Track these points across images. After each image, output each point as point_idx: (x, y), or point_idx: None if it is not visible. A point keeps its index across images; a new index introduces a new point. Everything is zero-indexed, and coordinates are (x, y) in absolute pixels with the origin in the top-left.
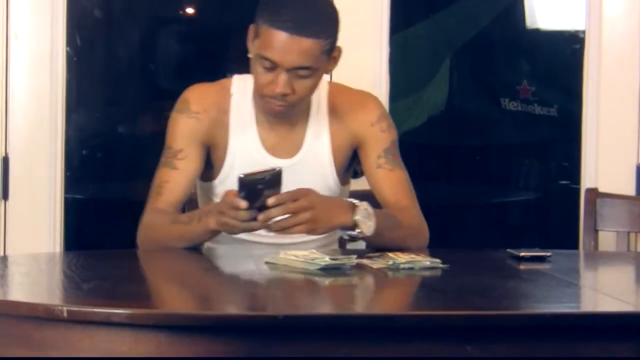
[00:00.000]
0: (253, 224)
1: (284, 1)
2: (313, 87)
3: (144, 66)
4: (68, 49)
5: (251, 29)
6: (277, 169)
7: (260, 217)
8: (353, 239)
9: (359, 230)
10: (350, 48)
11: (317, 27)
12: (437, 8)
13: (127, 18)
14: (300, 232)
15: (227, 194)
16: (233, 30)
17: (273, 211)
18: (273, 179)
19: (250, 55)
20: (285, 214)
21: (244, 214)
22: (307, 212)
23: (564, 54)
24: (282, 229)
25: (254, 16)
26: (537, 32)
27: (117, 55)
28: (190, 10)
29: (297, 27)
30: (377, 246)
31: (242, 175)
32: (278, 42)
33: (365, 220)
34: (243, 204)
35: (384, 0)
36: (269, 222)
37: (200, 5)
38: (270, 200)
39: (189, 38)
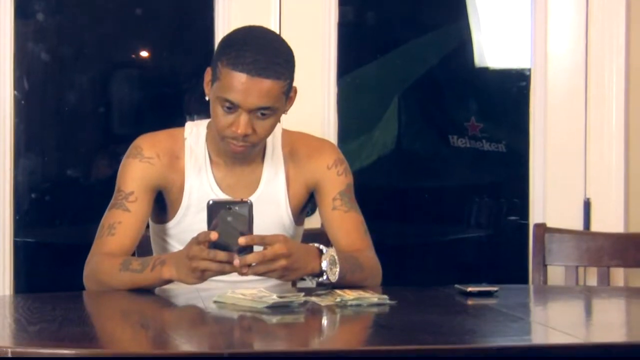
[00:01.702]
0: (226, 267)
1: (244, 44)
2: (273, 127)
3: (94, 110)
4: (16, 92)
5: (208, 71)
6: (247, 200)
7: (236, 262)
8: (320, 284)
9: (326, 277)
10: (299, 90)
11: (277, 69)
12: (385, 49)
13: (77, 61)
14: (272, 277)
15: (195, 238)
16: (187, 75)
17: (249, 257)
18: (242, 211)
19: (208, 97)
20: (262, 260)
21: (222, 254)
22: (283, 260)
23: (511, 91)
24: (256, 274)
25: (210, 59)
26: (485, 70)
27: (67, 99)
28: (144, 54)
29: (258, 69)
30: (335, 287)
31: (210, 201)
32: (239, 84)
33: (332, 266)
34: (214, 235)
35: (332, 43)
36: (244, 263)
37: (154, 49)
38: (242, 240)
39: (142, 82)
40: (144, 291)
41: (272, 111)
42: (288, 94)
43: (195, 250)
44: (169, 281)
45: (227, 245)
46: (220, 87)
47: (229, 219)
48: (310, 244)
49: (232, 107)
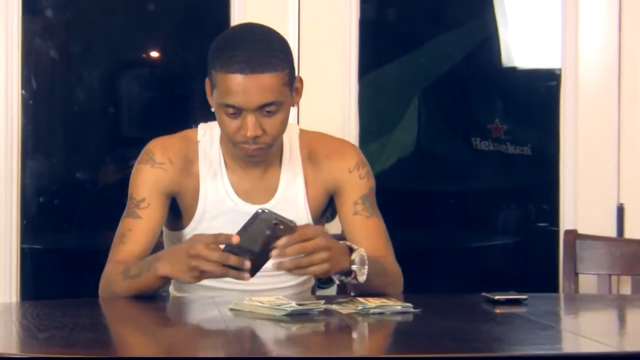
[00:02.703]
0: (231, 271)
1: (234, 44)
2: (284, 123)
3: (104, 110)
4: (23, 92)
5: (207, 82)
6: (293, 225)
7: (274, 252)
8: (340, 284)
9: (353, 276)
10: (319, 90)
11: (272, 60)
12: (407, 47)
13: (87, 59)
14: (313, 272)
15: (196, 236)
16: (199, 75)
17: (289, 250)
18: (285, 230)
19: (212, 108)
20: (301, 253)
21: (234, 259)
22: (325, 253)
23: (538, 91)
24: (297, 268)
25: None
26: (511, 69)
27: (76, 98)
28: (155, 52)
29: (252, 66)
30: (358, 292)
31: (261, 210)
32: (237, 86)
33: (361, 266)
34: (236, 238)
35: (352, 41)
36: (281, 261)
37: (166, 47)
38: (282, 242)
39: (154, 82)
40: (158, 299)
41: (277, 106)
42: (292, 85)
43: (200, 250)
44: (165, 278)
45: (243, 250)
46: (220, 93)
47: (266, 232)
48: (341, 241)
49: (236, 111)
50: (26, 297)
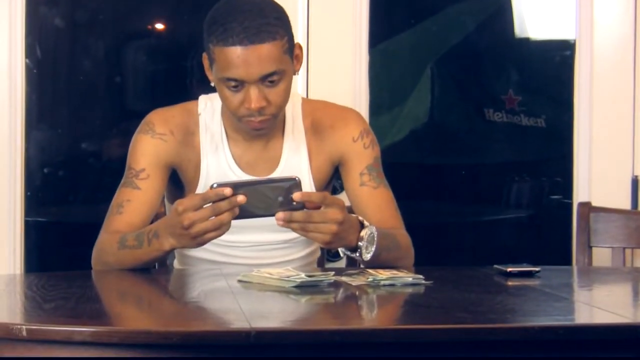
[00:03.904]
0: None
1: (229, 15)
2: (287, 92)
3: (110, 81)
4: (27, 60)
5: (204, 57)
6: (296, 179)
7: (280, 214)
8: (349, 258)
9: (359, 254)
10: (329, 61)
11: (269, 29)
12: (419, 17)
13: (92, 30)
14: (315, 239)
15: (181, 207)
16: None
17: (298, 214)
18: (284, 184)
19: (212, 83)
20: (308, 220)
21: (224, 204)
22: (335, 226)
23: (553, 62)
24: (302, 229)
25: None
26: (525, 40)
27: (81, 69)
28: (159, 26)
29: (249, 37)
30: (368, 265)
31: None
32: (236, 58)
33: (368, 245)
34: (227, 190)
35: (363, 11)
36: (289, 218)
37: (171, 19)
38: (298, 195)
39: (159, 54)
40: (165, 271)
41: (279, 75)
42: (292, 53)
43: (193, 217)
44: (171, 251)
45: (254, 210)
46: (219, 68)
47: (264, 194)
48: (354, 215)
49: (238, 84)
50: (30, 270)
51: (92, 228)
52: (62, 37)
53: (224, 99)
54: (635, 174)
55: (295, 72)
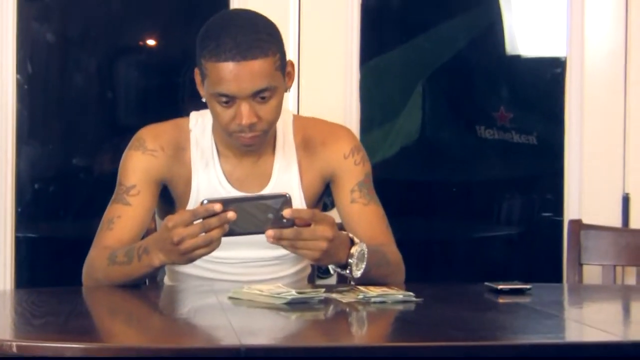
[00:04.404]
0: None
1: (221, 31)
2: (278, 109)
3: (101, 97)
4: (18, 76)
5: (196, 73)
6: (286, 195)
7: (269, 232)
8: (339, 275)
9: (349, 271)
10: (320, 77)
11: (262, 45)
12: (410, 34)
13: (84, 45)
14: (304, 255)
15: (171, 222)
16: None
17: (286, 232)
18: (273, 203)
19: (203, 98)
20: (297, 237)
21: (214, 220)
22: (324, 242)
23: (544, 79)
24: (292, 246)
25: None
26: (516, 57)
27: (72, 84)
28: (151, 41)
29: (241, 53)
30: (358, 281)
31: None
32: (228, 74)
33: (358, 262)
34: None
35: (354, 27)
36: (279, 235)
37: (162, 35)
38: (288, 211)
39: (150, 70)
40: (155, 288)
41: (271, 92)
42: (284, 70)
43: (182, 233)
44: (161, 267)
45: (241, 229)
46: (211, 83)
47: (254, 210)
48: (344, 232)
49: (229, 100)
50: (21, 285)
51: (83, 244)
52: (53, 53)
53: (215, 114)
54: (626, 191)
55: (287, 89)
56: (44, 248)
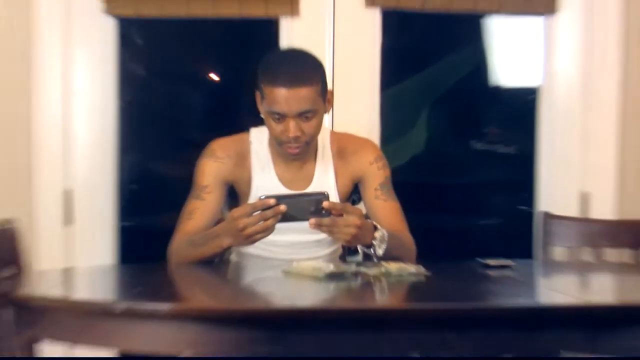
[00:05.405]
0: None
1: (278, 64)
2: (318, 126)
3: (179, 116)
4: (119, 102)
5: (257, 94)
6: (325, 193)
7: (312, 221)
8: (365, 255)
9: (374, 251)
10: (350, 102)
11: (307, 76)
12: (419, 69)
13: (165, 77)
14: (338, 239)
15: (236, 214)
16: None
17: (326, 220)
18: (317, 200)
19: (262, 115)
20: (333, 225)
21: (270, 212)
22: (354, 229)
23: (521, 104)
24: (329, 232)
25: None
26: (500, 87)
27: (158, 107)
28: (215, 78)
29: (292, 81)
30: (381, 259)
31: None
32: (281, 97)
33: (380, 244)
34: (272, 200)
35: (376, 64)
36: (319, 222)
37: (224, 69)
38: (328, 203)
39: (216, 96)
40: (225, 263)
41: (313, 113)
42: (324, 96)
43: (245, 222)
44: (228, 248)
45: (292, 216)
46: (267, 103)
47: (300, 204)
48: (369, 221)
49: (281, 117)
50: (123, 262)
51: (167, 230)
52: (143, 84)
53: (269, 127)
54: (584, 189)
55: (326, 111)
56: (139, 233)
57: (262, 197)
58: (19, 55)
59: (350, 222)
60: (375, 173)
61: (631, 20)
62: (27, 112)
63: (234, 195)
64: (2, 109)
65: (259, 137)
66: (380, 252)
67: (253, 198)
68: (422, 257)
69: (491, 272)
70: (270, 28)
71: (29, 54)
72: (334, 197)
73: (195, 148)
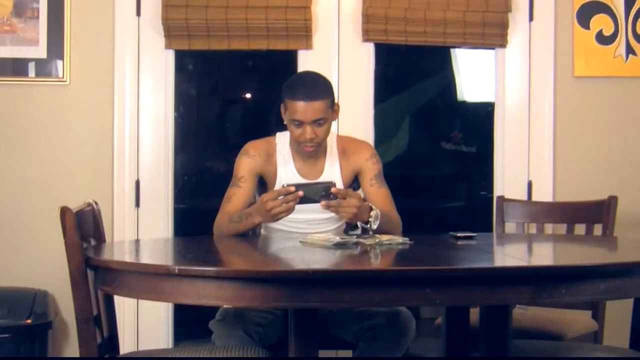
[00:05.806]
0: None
1: (298, 84)
2: (328, 131)
3: (221, 125)
4: (175, 114)
5: (282, 107)
6: (332, 182)
7: (322, 203)
8: (363, 229)
9: (369, 226)
10: (351, 114)
11: (320, 93)
12: (402, 89)
13: (211, 95)
14: (343, 216)
15: (265, 198)
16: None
17: (333, 202)
18: (327, 187)
19: (285, 122)
20: (339, 205)
21: (291, 197)
22: (355, 208)
23: (481, 114)
24: (336, 211)
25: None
26: (465, 102)
27: (205, 118)
28: (247, 95)
29: (309, 96)
30: (375, 232)
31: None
32: (300, 108)
33: (375, 220)
34: (292, 188)
35: (370, 85)
36: (328, 204)
37: (256, 90)
38: (335, 189)
39: (250, 110)
40: (256, 237)
41: (324, 120)
42: (333, 108)
43: (272, 204)
44: (259, 224)
45: (308, 199)
46: (289, 113)
47: (313, 190)
48: (366, 202)
49: (299, 124)
50: (177, 235)
51: (212, 211)
52: (194, 100)
53: (291, 131)
54: (530, 179)
55: (334, 119)
56: (190, 213)
57: (285, 185)
58: (104, 81)
59: (351, 203)
60: (371, 167)
61: (560, 51)
62: (110, 123)
63: (263, 184)
64: (92, 121)
65: (282, 140)
66: (374, 227)
67: (278, 186)
68: (406, 231)
69: (459, 242)
70: (290, 58)
71: (112, 80)
72: (339, 185)
73: (233, 149)
